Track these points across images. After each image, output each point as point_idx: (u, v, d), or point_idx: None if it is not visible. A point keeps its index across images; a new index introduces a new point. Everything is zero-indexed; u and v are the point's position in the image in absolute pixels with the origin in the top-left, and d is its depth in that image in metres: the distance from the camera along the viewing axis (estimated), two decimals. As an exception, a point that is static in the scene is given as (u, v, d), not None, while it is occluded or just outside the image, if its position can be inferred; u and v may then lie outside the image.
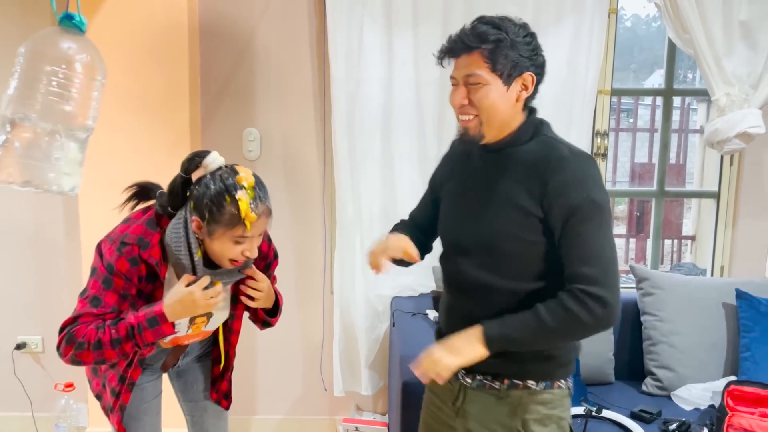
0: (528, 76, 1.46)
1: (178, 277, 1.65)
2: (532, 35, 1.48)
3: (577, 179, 1.42)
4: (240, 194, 1.55)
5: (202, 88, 2.84)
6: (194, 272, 1.63)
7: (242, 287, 1.75)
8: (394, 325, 2.59)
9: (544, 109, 2.71)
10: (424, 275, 2.85)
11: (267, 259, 1.85)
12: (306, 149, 2.91)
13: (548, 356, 1.52)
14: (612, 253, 1.43)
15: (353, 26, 2.67)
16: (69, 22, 1.42)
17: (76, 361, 1.61)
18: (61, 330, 1.60)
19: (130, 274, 1.59)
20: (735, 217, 2.98)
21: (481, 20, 1.47)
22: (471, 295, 1.55)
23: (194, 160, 1.62)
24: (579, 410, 2.26)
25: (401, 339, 2.37)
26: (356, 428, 2.76)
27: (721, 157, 2.97)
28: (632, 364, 2.63)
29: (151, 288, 1.65)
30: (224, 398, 1.99)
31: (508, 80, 1.44)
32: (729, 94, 2.66)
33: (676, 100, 6.36)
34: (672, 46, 2.91)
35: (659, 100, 3.81)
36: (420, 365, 1.49)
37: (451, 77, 1.51)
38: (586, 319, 1.39)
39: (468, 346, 1.44)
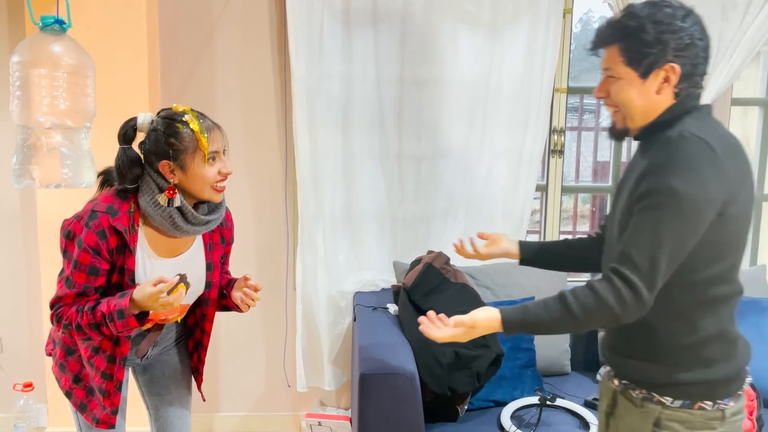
0: (669, 68, 1.37)
1: (162, 234, 1.70)
2: (686, 19, 1.36)
3: (669, 163, 1.31)
4: (186, 117, 1.64)
5: (162, 85, 2.84)
6: (177, 227, 1.67)
7: (244, 298, 1.83)
8: (355, 320, 2.62)
9: (501, 107, 2.82)
10: (386, 270, 2.88)
11: (232, 242, 1.95)
12: (267, 145, 2.92)
13: (689, 370, 1.40)
14: (670, 250, 1.30)
15: (313, 23, 2.69)
16: (52, 27, 1.47)
17: (70, 336, 1.71)
18: (51, 307, 1.67)
19: (99, 247, 1.61)
20: (687, 211, 3.06)
21: (629, 8, 1.40)
22: None
23: (128, 127, 1.68)
24: (533, 399, 2.32)
25: (362, 332, 2.39)
26: (319, 423, 2.78)
27: (674, 153, 3.05)
28: (588, 355, 2.70)
29: (122, 260, 1.66)
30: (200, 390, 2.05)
31: (645, 73, 1.39)
32: (679, 92, 2.75)
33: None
34: (626, 46, 2.99)
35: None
36: (435, 329, 1.48)
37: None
38: (615, 307, 1.32)
39: (481, 326, 1.45)
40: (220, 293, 1.91)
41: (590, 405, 2.37)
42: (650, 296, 1.31)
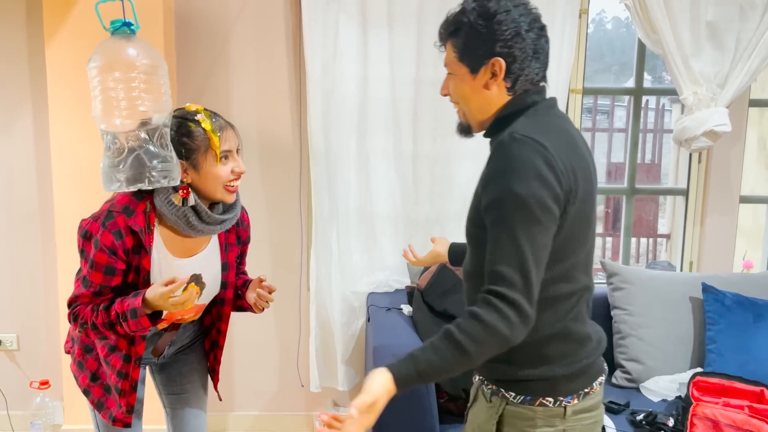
0: (495, 61, 1.34)
1: (178, 234, 1.71)
2: (511, 11, 1.34)
3: (505, 168, 1.28)
4: (198, 117, 1.65)
5: (178, 86, 2.85)
6: (192, 226, 1.68)
7: (258, 300, 1.83)
8: (369, 321, 2.62)
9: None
10: (399, 271, 2.88)
11: (248, 242, 1.95)
12: (282, 146, 2.93)
13: (531, 367, 1.39)
14: (533, 256, 1.26)
15: (329, 24, 2.70)
16: (122, 30, 1.51)
17: (86, 334, 1.73)
18: (68, 306, 1.70)
19: (115, 247, 1.62)
20: (703, 213, 3.04)
21: (461, 5, 1.40)
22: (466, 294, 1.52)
23: None
24: (549, 402, 2.30)
25: (375, 333, 2.40)
26: (332, 423, 2.78)
27: (690, 155, 3.03)
28: (603, 357, 2.68)
29: (138, 260, 1.67)
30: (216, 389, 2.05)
31: (475, 69, 1.37)
32: (696, 93, 2.73)
33: (651, 102, 6.46)
34: (642, 47, 2.97)
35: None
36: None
37: None
38: (504, 329, 1.25)
39: (383, 398, 1.28)
40: (236, 293, 1.92)
41: (606, 408, 2.34)
42: (532, 309, 1.27)
